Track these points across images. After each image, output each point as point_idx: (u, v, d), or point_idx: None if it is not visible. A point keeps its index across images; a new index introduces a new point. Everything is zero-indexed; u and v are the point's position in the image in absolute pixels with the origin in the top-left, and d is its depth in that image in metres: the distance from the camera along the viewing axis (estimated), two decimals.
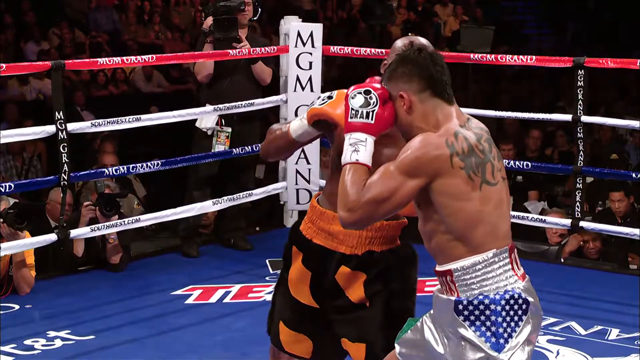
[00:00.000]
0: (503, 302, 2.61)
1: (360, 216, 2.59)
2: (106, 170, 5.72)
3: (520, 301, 2.63)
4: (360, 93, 2.66)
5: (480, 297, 2.61)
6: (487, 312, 2.60)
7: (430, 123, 2.63)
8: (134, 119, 5.41)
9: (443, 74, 2.65)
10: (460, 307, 2.62)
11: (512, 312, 2.62)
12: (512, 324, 2.62)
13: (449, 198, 2.58)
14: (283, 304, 3.21)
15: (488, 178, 2.62)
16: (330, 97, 2.93)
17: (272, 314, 3.28)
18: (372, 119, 2.63)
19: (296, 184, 6.36)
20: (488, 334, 2.60)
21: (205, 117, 6.00)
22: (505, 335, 2.61)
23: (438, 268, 2.69)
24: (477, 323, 2.61)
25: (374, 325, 3.06)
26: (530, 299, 2.65)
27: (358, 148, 2.63)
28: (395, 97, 2.65)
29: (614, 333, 4.82)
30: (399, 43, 3.10)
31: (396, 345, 2.87)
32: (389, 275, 3.12)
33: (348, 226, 2.63)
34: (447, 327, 2.67)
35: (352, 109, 2.65)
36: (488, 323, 2.60)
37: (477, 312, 2.61)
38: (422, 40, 3.07)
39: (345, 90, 2.75)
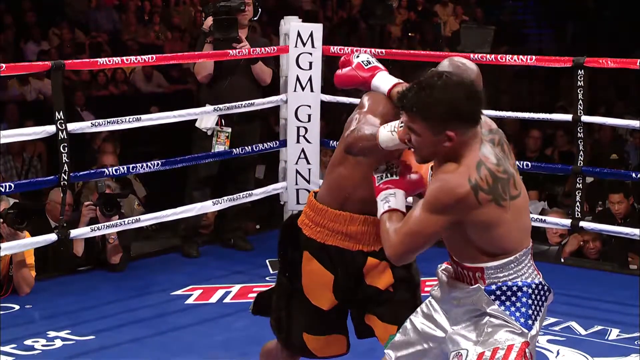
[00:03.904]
0: (533, 286, 2.71)
1: (398, 251, 2.68)
2: (106, 171, 5.72)
3: (545, 288, 2.74)
4: (381, 164, 2.83)
5: (514, 280, 2.69)
6: (519, 294, 2.69)
7: (460, 151, 2.63)
8: (134, 119, 5.41)
9: (479, 103, 2.64)
10: (494, 287, 2.69)
11: (538, 297, 2.72)
12: (538, 308, 2.72)
13: (481, 229, 2.64)
14: (303, 316, 3.22)
15: (513, 193, 2.67)
16: None
17: (289, 327, 3.26)
18: (396, 175, 2.79)
19: (296, 184, 6.35)
20: (517, 314, 2.69)
21: (205, 117, 6.00)
22: (533, 317, 2.70)
23: (465, 264, 2.73)
24: (507, 303, 2.69)
25: (406, 309, 3.10)
26: (550, 289, 2.77)
27: (388, 199, 2.76)
28: (436, 133, 2.61)
29: (614, 333, 4.83)
30: (446, 62, 3.03)
31: (388, 352, 2.89)
32: (407, 264, 3.16)
33: (394, 262, 2.76)
34: (468, 309, 2.73)
35: (376, 177, 2.81)
36: (518, 304, 2.69)
37: (509, 293, 2.69)
38: (474, 66, 3.05)
39: None
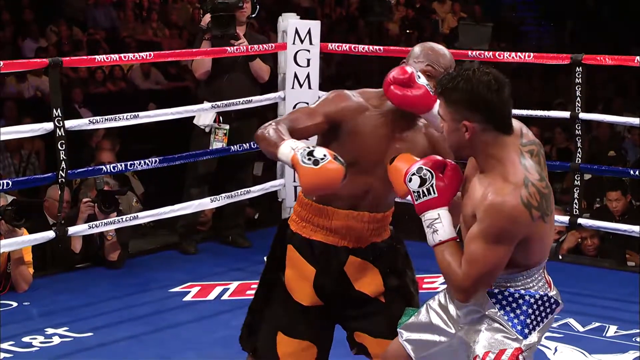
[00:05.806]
0: (537, 296, 2.70)
1: (473, 293, 2.64)
2: (104, 168, 5.71)
3: (552, 301, 2.73)
4: (414, 174, 2.68)
5: (517, 289, 2.69)
6: (520, 301, 2.68)
7: (491, 154, 2.61)
8: (132, 116, 5.41)
9: (509, 104, 2.61)
10: (496, 291, 2.69)
11: (542, 308, 2.71)
12: (539, 318, 2.71)
13: (523, 245, 2.61)
14: (281, 312, 3.14)
15: (551, 207, 2.65)
16: (316, 162, 2.67)
17: (259, 326, 3.18)
18: (434, 193, 2.66)
19: (294, 181, 6.35)
20: (515, 321, 2.68)
21: (203, 114, 6.00)
22: (531, 327, 2.69)
23: None
24: (507, 309, 2.69)
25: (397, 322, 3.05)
26: (560, 302, 2.75)
27: (435, 227, 2.66)
28: (455, 120, 2.61)
29: (612, 330, 4.83)
30: (418, 49, 3.00)
31: (400, 331, 2.89)
32: (401, 271, 3.14)
33: (464, 302, 2.70)
34: (470, 309, 2.73)
35: (413, 192, 2.69)
36: (518, 311, 2.69)
37: (510, 299, 2.68)
38: (446, 51, 3.01)
39: (334, 163, 2.65)
